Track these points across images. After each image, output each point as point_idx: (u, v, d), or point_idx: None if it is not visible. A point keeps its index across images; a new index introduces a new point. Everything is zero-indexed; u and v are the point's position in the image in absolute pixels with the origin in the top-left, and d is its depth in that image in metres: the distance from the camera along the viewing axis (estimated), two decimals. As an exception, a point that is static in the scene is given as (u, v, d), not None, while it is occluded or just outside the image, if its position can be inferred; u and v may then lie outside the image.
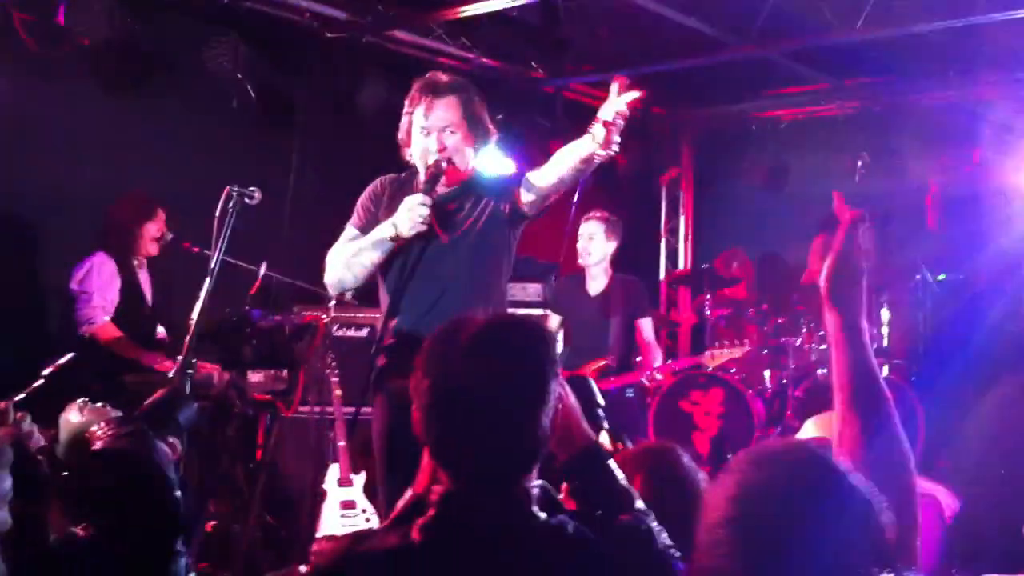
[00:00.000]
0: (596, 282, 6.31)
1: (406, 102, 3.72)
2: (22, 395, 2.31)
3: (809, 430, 2.77)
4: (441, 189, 3.66)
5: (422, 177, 3.70)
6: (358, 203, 3.81)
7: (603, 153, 3.40)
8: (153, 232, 5.55)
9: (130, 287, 5.49)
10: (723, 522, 1.56)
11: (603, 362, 6.16)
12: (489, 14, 6.48)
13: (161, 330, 5.67)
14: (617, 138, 3.40)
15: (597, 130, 3.38)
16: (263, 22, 6.29)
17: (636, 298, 6.41)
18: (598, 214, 6.27)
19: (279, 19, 6.37)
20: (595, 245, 6.21)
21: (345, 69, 6.82)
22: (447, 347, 1.92)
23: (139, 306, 5.57)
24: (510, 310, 5.69)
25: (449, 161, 3.61)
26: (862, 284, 2.03)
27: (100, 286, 5.33)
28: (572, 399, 2.12)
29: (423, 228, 3.49)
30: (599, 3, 6.72)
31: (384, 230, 3.56)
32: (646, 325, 6.40)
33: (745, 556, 1.53)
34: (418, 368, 1.93)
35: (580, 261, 6.28)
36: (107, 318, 5.34)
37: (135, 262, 5.57)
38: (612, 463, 2.12)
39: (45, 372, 2.57)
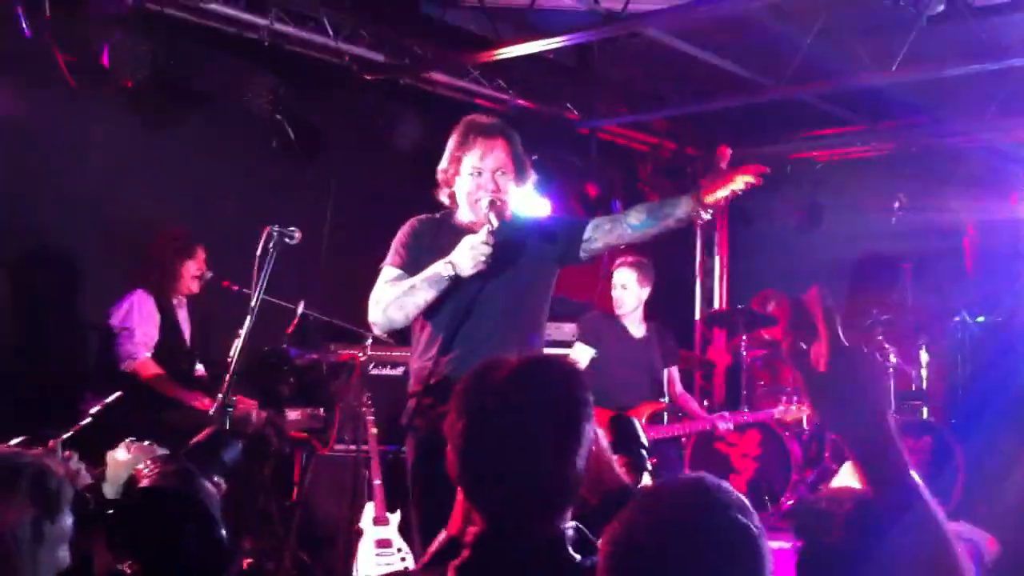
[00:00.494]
0: (635, 327, 6.31)
1: (453, 142, 3.73)
2: (69, 433, 2.34)
3: (846, 474, 2.75)
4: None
5: (464, 217, 3.73)
6: (396, 244, 3.80)
7: (705, 216, 3.50)
8: (193, 271, 5.60)
9: (169, 325, 5.54)
10: (603, 562, 1.58)
11: (658, 407, 6.16)
12: (525, 56, 6.54)
13: (200, 367, 5.71)
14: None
15: (700, 203, 3.50)
16: (302, 63, 6.38)
17: (672, 347, 6.44)
18: (629, 259, 6.24)
19: (317, 60, 6.47)
20: (628, 295, 6.21)
21: (382, 110, 6.90)
22: (481, 388, 1.94)
23: (178, 344, 5.61)
24: (545, 350, 5.71)
25: (502, 202, 3.64)
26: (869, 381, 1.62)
27: (140, 322, 5.37)
28: (604, 442, 2.13)
29: (483, 267, 3.51)
30: (633, 45, 6.76)
31: (441, 268, 3.57)
32: (676, 374, 6.48)
33: None
34: (452, 409, 1.95)
35: (617, 310, 6.26)
36: (148, 354, 5.38)
37: (174, 300, 5.62)
38: None
39: (93, 411, 2.60)
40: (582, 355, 6.16)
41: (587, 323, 6.42)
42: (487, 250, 3.47)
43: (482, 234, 3.51)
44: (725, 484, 1.63)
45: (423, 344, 3.71)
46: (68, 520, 1.82)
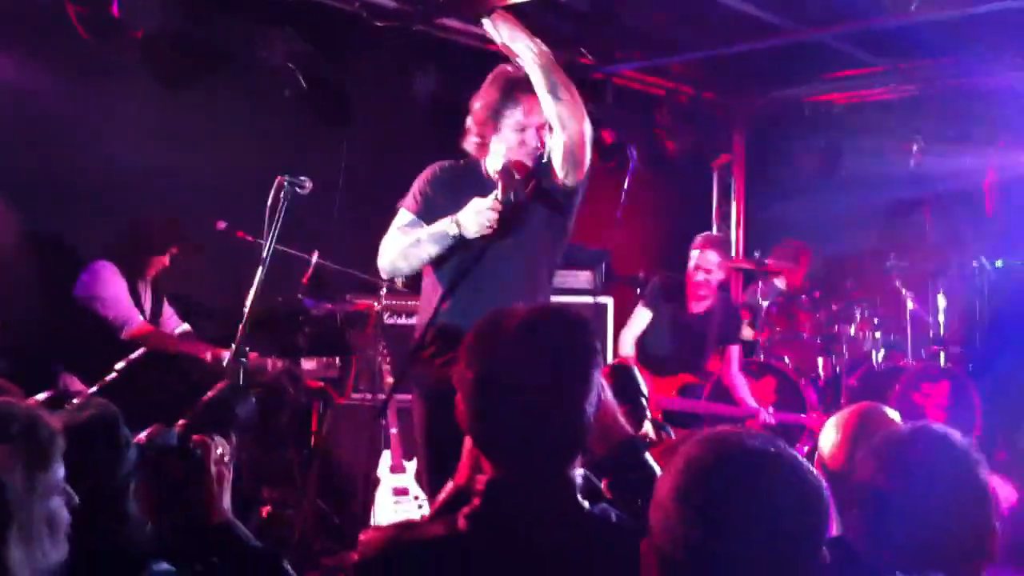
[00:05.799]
0: (702, 300, 6.27)
1: (493, 95, 3.71)
2: (95, 388, 2.36)
3: (828, 430, 2.75)
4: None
5: (491, 168, 3.71)
6: (414, 188, 3.81)
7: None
8: (161, 264, 5.52)
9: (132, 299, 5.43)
10: (669, 497, 1.59)
11: (690, 380, 6.16)
12: (538, 1, 6.45)
13: (185, 326, 5.67)
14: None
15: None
16: (313, 12, 6.32)
17: (734, 323, 6.44)
18: (713, 236, 6.31)
19: (329, 8, 6.40)
20: (713, 278, 6.18)
21: (395, 57, 6.84)
22: (492, 338, 1.95)
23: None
24: (561, 298, 5.72)
25: (521, 165, 3.64)
26: None
27: (116, 289, 5.28)
28: (608, 394, 2.14)
29: (488, 232, 3.50)
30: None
31: (447, 227, 3.57)
32: (736, 353, 6.42)
33: (690, 528, 1.56)
34: (462, 359, 1.97)
35: (700, 293, 6.20)
36: (142, 317, 5.31)
37: (139, 283, 5.50)
38: (649, 456, 2.13)
39: (118, 367, 2.61)
40: (640, 319, 6.16)
41: (653, 290, 6.38)
42: (493, 216, 3.50)
43: (489, 200, 3.50)
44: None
45: (428, 295, 3.73)
46: (60, 471, 1.84)
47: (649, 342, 6.30)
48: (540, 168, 3.74)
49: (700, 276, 6.20)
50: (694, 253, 6.24)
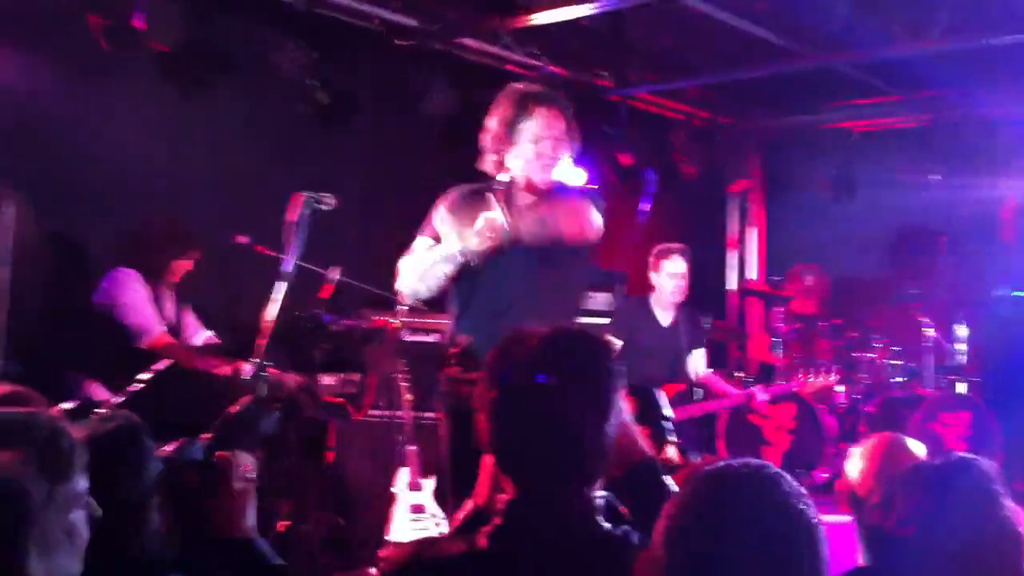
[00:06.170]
0: (667, 312, 6.35)
1: (507, 110, 3.71)
2: (120, 399, 2.35)
3: (856, 457, 2.72)
4: (527, 200, 3.67)
5: (511, 178, 3.72)
6: (431, 214, 3.81)
7: None
8: (182, 269, 5.42)
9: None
10: (665, 523, 1.62)
11: (681, 388, 6.19)
12: (558, 23, 6.48)
13: (210, 333, 5.61)
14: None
15: None
16: (333, 28, 6.35)
17: (700, 331, 6.55)
18: (680, 246, 6.28)
19: (349, 25, 6.43)
20: (684, 282, 6.26)
21: (413, 75, 6.87)
22: (512, 357, 1.95)
23: None
24: (579, 319, 5.71)
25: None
26: None
27: (137, 296, 5.17)
28: (628, 415, 2.13)
29: (491, 245, 3.51)
30: (667, 11, 6.68)
31: (453, 246, 3.57)
32: (704, 355, 6.51)
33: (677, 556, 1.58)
34: (483, 379, 1.97)
35: (675, 299, 6.28)
36: (163, 328, 5.21)
37: (158, 289, 5.39)
38: (668, 478, 2.12)
39: (143, 378, 2.61)
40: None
41: (619, 314, 6.50)
42: (491, 235, 3.49)
43: (491, 215, 3.53)
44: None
45: (454, 313, 3.73)
46: (82, 483, 1.83)
47: (633, 365, 6.30)
48: (559, 187, 3.74)
49: (677, 284, 6.24)
50: (669, 264, 6.24)
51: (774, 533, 1.55)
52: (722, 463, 1.68)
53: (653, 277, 6.33)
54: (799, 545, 1.56)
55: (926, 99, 8.15)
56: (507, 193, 3.68)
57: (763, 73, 7.55)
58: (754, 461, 1.68)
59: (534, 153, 3.66)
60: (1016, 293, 7.37)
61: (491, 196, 3.72)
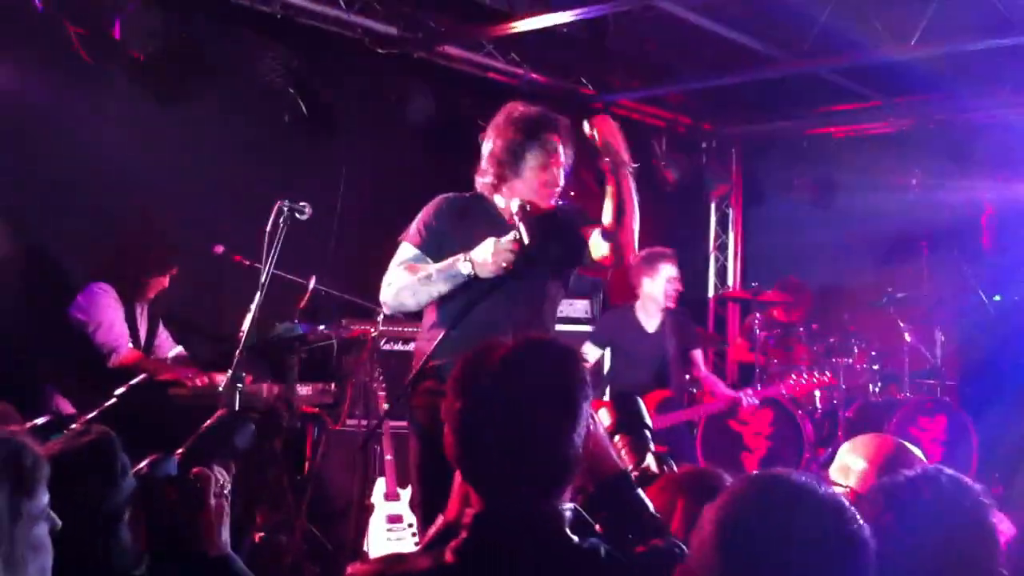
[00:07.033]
0: (653, 319, 6.31)
1: (515, 134, 3.67)
2: (93, 414, 2.34)
3: (843, 456, 2.74)
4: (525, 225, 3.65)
5: (502, 204, 3.70)
6: (419, 221, 3.74)
7: None
8: (160, 286, 5.47)
9: (129, 321, 5.39)
10: (708, 535, 1.69)
11: (666, 395, 6.18)
12: (539, 30, 6.48)
13: (179, 348, 5.64)
14: None
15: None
16: (314, 36, 6.34)
17: (690, 329, 6.48)
18: (671, 250, 6.27)
19: (330, 34, 6.42)
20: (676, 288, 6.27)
21: (395, 83, 6.86)
22: (478, 370, 1.94)
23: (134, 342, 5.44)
24: (557, 327, 5.71)
25: (534, 207, 3.62)
26: None
27: (110, 314, 5.21)
28: (600, 428, 2.12)
29: (503, 272, 3.48)
30: (648, 18, 6.70)
31: (460, 266, 3.52)
32: (700, 356, 6.51)
33: (724, 565, 1.66)
34: (449, 392, 1.96)
35: (667, 304, 6.25)
36: (130, 344, 5.26)
37: (136, 306, 5.46)
38: (640, 491, 2.11)
39: (117, 392, 2.59)
40: (589, 354, 6.20)
41: (602, 324, 6.51)
42: (510, 258, 3.45)
43: (509, 239, 3.47)
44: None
45: (428, 327, 3.69)
46: (44, 498, 1.82)
47: (619, 374, 6.33)
48: (559, 210, 3.73)
49: (674, 288, 6.23)
50: (666, 268, 6.23)
51: (829, 535, 1.64)
52: (768, 473, 1.77)
53: (646, 283, 6.26)
54: (853, 547, 1.65)
55: (906, 104, 8.20)
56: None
57: (744, 79, 7.58)
58: (796, 473, 1.76)
59: (541, 181, 3.65)
60: (995, 298, 7.41)
61: (491, 210, 3.70)
